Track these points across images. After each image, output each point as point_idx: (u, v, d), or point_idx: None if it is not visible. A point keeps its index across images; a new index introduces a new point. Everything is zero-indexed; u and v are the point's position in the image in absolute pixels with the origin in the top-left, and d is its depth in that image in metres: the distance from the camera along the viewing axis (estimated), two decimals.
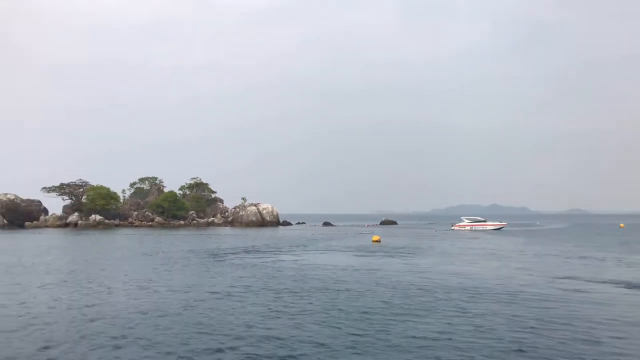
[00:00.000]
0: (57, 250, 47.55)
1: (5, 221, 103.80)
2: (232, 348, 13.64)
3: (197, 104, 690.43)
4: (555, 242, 60.09)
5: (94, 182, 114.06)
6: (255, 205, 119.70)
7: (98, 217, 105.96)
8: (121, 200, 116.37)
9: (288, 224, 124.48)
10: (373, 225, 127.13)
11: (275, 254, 42.90)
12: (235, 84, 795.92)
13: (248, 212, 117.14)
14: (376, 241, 59.80)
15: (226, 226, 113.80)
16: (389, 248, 49.88)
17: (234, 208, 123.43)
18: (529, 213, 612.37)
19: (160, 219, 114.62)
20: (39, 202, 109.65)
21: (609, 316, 17.43)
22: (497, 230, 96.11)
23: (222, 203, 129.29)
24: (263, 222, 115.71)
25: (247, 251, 45.48)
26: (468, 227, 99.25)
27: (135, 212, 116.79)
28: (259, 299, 21.00)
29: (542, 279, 26.77)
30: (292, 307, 19.18)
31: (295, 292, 22.52)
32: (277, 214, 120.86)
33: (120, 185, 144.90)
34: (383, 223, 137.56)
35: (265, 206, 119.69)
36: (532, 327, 15.83)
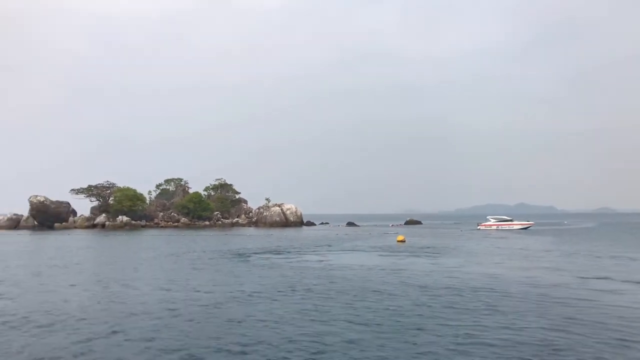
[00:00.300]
0: (87, 251, 48.47)
1: (36, 222, 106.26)
2: (264, 345, 13.76)
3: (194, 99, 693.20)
4: (584, 242, 58.94)
5: (120, 183, 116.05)
6: (279, 205, 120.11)
7: (125, 218, 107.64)
8: (147, 202, 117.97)
9: (312, 224, 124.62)
10: (397, 225, 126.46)
11: (301, 254, 43.01)
12: (241, 75, 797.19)
13: (272, 213, 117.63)
14: (401, 241, 59.49)
15: (250, 226, 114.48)
16: (414, 248, 49.57)
17: (258, 209, 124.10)
18: (555, 212, 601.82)
19: (185, 219, 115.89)
20: (68, 203, 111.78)
21: None
22: (524, 230, 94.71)
23: (246, 204, 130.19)
24: (287, 222, 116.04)
25: (273, 251, 45.69)
26: (494, 227, 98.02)
27: (161, 213, 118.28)
28: (289, 298, 21.10)
29: (573, 279, 26.30)
30: (322, 306, 19.23)
31: (323, 292, 22.56)
32: (301, 214, 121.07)
33: (145, 186, 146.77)
34: (407, 223, 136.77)
35: (289, 206, 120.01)
36: (565, 328, 15.59)
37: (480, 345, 13.65)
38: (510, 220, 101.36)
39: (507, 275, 28.25)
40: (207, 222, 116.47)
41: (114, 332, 15.36)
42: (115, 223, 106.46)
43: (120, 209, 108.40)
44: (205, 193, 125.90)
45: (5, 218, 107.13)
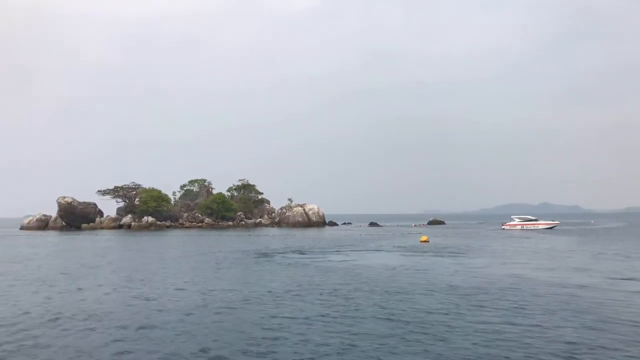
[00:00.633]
0: (115, 251, 49.42)
1: (64, 223, 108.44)
2: (294, 342, 13.98)
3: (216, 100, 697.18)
4: (612, 242, 57.92)
5: (145, 184, 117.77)
6: (302, 206, 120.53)
7: (150, 219, 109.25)
8: (172, 202, 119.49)
9: (334, 224, 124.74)
10: (420, 225, 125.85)
11: (325, 254, 43.21)
12: (261, 77, 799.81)
13: (294, 213, 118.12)
14: (425, 241, 59.27)
15: (273, 227, 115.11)
16: (438, 248, 49.37)
17: (281, 209, 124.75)
18: (581, 212, 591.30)
19: (209, 220, 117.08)
20: (95, 204, 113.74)
21: None
22: (549, 230, 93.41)
23: (269, 204, 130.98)
24: (309, 222, 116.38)
25: (297, 251, 45.98)
26: (519, 227, 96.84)
27: (186, 214, 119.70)
28: (316, 297, 21.30)
29: (602, 280, 25.97)
30: (350, 304, 19.39)
31: (350, 291, 22.72)
32: (323, 215, 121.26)
33: (169, 187, 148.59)
34: (430, 223, 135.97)
35: (312, 207, 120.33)
36: (596, 328, 15.48)
37: (511, 343, 13.66)
38: (535, 220, 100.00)
39: (534, 275, 28.02)
40: (230, 223, 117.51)
41: (144, 330, 15.75)
42: (141, 223, 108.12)
43: (145, 210, 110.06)
44: (229, 194, 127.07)
45: (35, 219, 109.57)
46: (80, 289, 24.48)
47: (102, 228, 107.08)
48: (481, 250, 46.94)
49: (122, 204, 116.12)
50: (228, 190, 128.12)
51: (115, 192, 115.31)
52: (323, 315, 17.61)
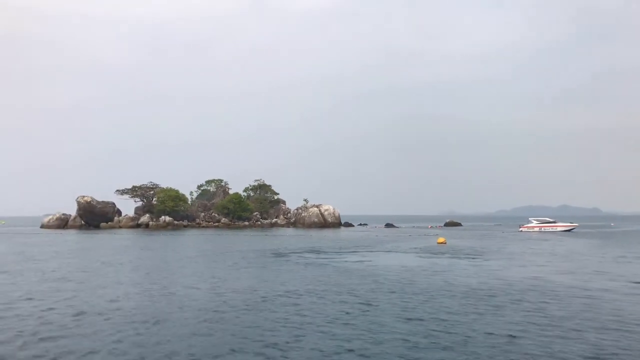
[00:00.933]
0: (134, 250, 50.03)
1: (83, 222, 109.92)
2: (315, 341, 14.10)
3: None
4: (633, 245, 57.12)
5: (163, 184, 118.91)
6: (317, 206, 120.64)
7: (168, 218, 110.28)
8: (189, 202, 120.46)
9: (350, 225, 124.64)
10: (437, 227, 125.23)
11: (342, 254, 43.27)
12: (276, 77, 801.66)
13: (310, 214, 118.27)
14: (442, 243, 59.02)
15: (289, 227, 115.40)
16: (455, 250, 49.14)
17: (296, 209, 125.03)
18: (601, 214, 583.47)
19: (226, 220, 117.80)
20: (113, 203, 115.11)
21: None
22: (567, 232, 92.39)
23: (285, 204, 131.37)
24: (325, 223, 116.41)
25: (314, 251, 46.11)
26: (536, 229, 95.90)
27: (202, 213, 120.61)
28: (336, 296, 21.41)
29: (624, 284, 25.65)
30: (369, 305, 19.45)
31: (369, 291, 22.79)
32: (339, 215, 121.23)
33: (186, 186, 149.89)
34: (447, 224, 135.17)
35: (327, 207, 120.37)
36: (619, 332, 15.36)
37: (532, 346, 13.63)
38: (553, 222, 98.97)
39: (553, 278, 27.80)
40: (246, 223, 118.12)
41: (162, 327, 15.98)
42: (159, 223, 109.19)
43: (163, 209, 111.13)
44: (245, 194, 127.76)
45: (55, 218, 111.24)
46: (101, 286, 24.88)
47: (120, 227, 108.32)
48: (499, 252, 46.62)
49: (140, 204, 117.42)
50: (244, 191, 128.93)
51: (134, 191, 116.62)
52: (343, 315, 17.71)
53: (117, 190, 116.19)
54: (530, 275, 28.57)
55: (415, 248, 51.60)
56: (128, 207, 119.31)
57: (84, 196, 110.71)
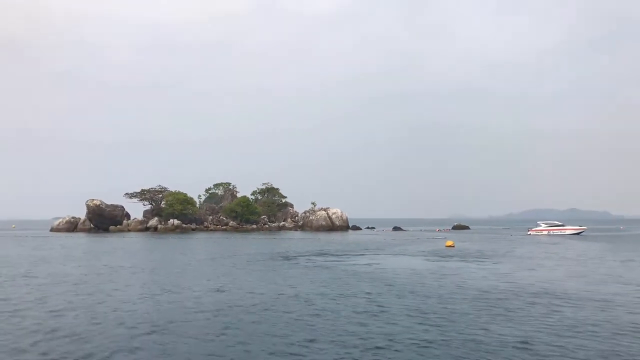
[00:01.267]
0: (144, 253, 50.40)
1: (92, 225, 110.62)
2: (328, 341, 14.24)
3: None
4: None
5: (171, 187, 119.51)
6: (325, 210, 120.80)
7: (176, 222, 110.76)
8: (197, 205, 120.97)
9: (357, 228, 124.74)
10: (444, 230, 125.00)
11: (351, 257, 43.38)
12: (287, 81, 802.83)
13: (318, 217, 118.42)
14: (450, 246, 58.99)
15: (296, 230, 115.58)
16: (464, 253, 49.12)
17: (304, 212, 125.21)
18: (610, 218, 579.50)
19: (234, 223, 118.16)
20: (122, 207, 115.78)
21: None
22: (576, 235, 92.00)
23: (292, 207, 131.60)
24: (333, 226, 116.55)
25: (323, 254, 46.24)
26: (545, 232, 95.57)
27: (211, 217, 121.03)
28: (347, 299, 21.53)
29: (636, 288, 25.62)
30: (380, 308, 19.56)
31: (379, 294, 22.89)
32: (347, 219, 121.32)
33: (194, 190, 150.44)
34: (455, 228, 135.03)
35: (335, 210, 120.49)
36: (635, 333, 15.42)
37: (548, 348, 13.71)
38: (562, 225, 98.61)
39: (564, 281, 27.80)
40: (254, 226, 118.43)
41: (173, 328, 16.17)
42: (167, 226, 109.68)
43: (171, 213, 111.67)
44: (253, 197, 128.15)
45: (64, 221, 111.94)
46: (115, 289, 25.12)
47: (129, 230, 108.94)
48: (508, 255, 46.57)
49: (148, 207, 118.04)
50: (252, 194, 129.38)
51: (142, 195, 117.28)
52: (356, 316, 17.82)
53: (126, 194, 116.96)
54: (540, 279, 28.57)
55: (424, 251, 51.62)
56: (137, 210, 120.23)
57: (93, 199, 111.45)
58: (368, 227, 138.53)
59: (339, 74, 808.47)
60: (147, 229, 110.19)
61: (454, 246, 58.73)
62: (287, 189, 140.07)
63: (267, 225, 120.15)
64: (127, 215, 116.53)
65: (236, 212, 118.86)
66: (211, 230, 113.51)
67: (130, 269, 34.54)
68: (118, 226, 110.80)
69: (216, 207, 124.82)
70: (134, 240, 74.66)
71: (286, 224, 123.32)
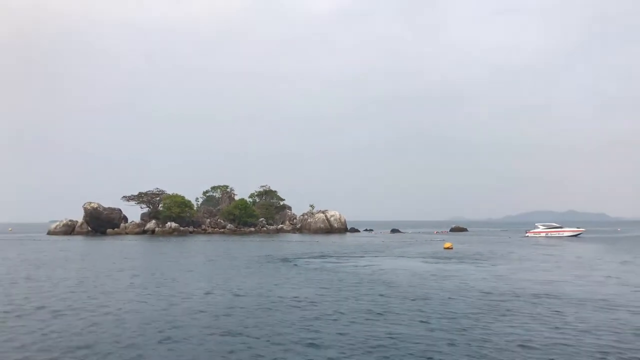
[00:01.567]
0: (143, 256, 50.31)
1: (89, 228, 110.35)
2: (332, 343, 14.25)
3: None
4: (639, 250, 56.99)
5: (169, 190, 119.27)
6: (323, 212, 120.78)
7: (174, 225, 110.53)
8: (195, 208, 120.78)
9: (355, 230, 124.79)
10: (442, 232, 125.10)
11: (349, 259, 43.37)
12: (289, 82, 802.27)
13: (316, 219, 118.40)
14: (448, 248, 59.04)
15: (295, 233, 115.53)
16: (462, 255, 49.16)
17: (302, 215, 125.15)
18: (608, 219, 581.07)
19: (231, 225, 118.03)
20: (120, 210, 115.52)
21: None
22: (574, 237, 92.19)
23: (291, 210, 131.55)
24: (331, 228, 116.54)
25: (322, 257, 46.21)
26: (543, 234, 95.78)
27: (208, 220, 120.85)
28: (349, 302, 21.53)
29: (635, 289, 25.68)
30: (381, 310, 19.58)
31: (380, 296, 22.91)
32: (345, 221, 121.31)
33: (192, 193, 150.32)
34: (453, 230, 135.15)
35: (333, 213, 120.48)
36: (637, 335, 15.45)
37: (550, 349, 13.74)
38: (560, 227, 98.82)
39: (563, 283, 27.85)
40: (252, 228, 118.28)
41: (172, 332, 16.15)
42: (165, 229, 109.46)
43: (169, 216, 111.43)
44: (251, 200, 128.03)
45: (61, 224, 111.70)
46: (116, 291, 25.08)
47: (126, 233, 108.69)
48: (506, 257, 46.63)
49: (146, 210, 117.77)
50: (250, 197, 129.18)
51: (140, 198, 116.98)
52: (358, 318, 17.84)
53: (124, 197, 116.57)
54: (539, 280, 28.63)
55: (422, 253, 51.64)
56: (134, 213, 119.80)
57: (90, 202, 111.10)
58: (366, 230, 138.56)
59: (339, 74, 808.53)
60: (144, 232, 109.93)
61: (452, 248, 58.78)
62: (285, 192, 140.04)
63: (265, 228, 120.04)
64: (125, 219, 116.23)
65: (234, 214, 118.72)
66: (209, 233, 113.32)
67: (128, 271, 34.46)
68: (115, 229, 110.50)
69: (214, 210, 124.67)
70: (131, 243, 74.51)
71: (284, 227, 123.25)
